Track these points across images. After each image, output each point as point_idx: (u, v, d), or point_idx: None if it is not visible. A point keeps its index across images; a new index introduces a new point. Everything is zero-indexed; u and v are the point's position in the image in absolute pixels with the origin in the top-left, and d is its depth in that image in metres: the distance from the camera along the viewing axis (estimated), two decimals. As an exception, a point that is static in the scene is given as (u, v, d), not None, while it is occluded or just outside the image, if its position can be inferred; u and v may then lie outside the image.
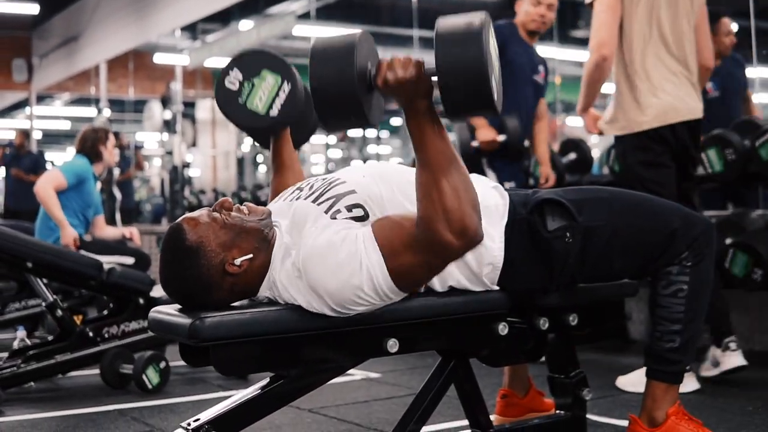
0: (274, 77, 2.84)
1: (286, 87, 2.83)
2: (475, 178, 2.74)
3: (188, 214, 2.42)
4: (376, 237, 2.27)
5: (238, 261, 2.35)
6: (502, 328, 2.65)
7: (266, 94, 2.83)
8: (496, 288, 2.62)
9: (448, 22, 2.23)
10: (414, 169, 2.34)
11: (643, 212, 2.81)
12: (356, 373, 4.84)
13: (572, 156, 6.30)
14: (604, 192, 2.84)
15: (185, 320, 2.28)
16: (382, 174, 2.56)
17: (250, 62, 2.86)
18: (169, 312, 2.40)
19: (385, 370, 4.92)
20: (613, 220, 2.73)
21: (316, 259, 2.26)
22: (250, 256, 2.37)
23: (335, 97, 2.26)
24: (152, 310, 2.50)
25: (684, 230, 2.78)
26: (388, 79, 2.25)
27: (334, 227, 2.31)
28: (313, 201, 2.46)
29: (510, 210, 2.65)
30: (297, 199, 2.54)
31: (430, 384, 2.70)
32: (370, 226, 2.31)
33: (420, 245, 2.26)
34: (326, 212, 2.39)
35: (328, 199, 2.44)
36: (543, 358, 2.98)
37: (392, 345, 2.47)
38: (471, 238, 2.26)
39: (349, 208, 2.40)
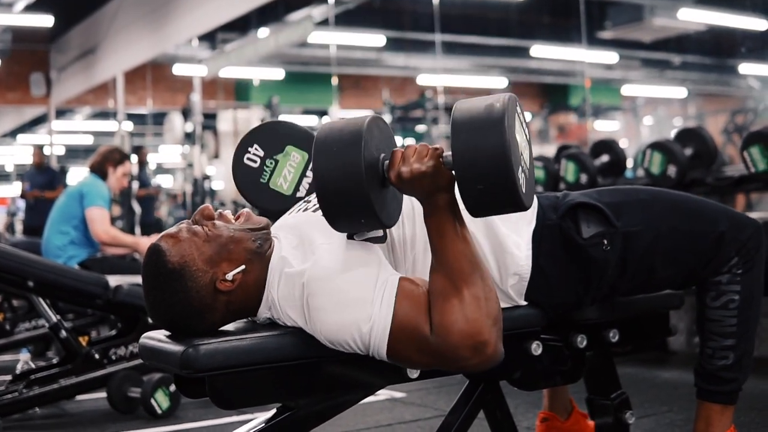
0: (301, 154, 2.61)
1: None
2: None
3: (167, 231, 2.16)
4: (396, 302, 2.01)
5: (229, 275, 2.10)
6: (536, 348, 2.42)
7: (291, 172, 2.60)
8: (524, 302, 2.38)
9: (465, 106, 1.98)
10: None
11: (687, 214, 2.54)
12: (380, 393, 4.56)
13: (605, 158, 6.03)
14: (643, 192, 2.59)
15: (177, 348, 2.04)
16: None
17: (273, 137, 2.61)
18: (160, 338, 2.16)
19: (410, 389, 4.71)
20: (654, 224, 2.48)
21: (325, 285, 2.01)
22: (243, 267, 2.12)
23: (341, 195, 1.99)
24: (143, 336, 2.25)
25: (732, 234, 2.51)
26: (402, 174, 2.00)
27: (353, 252, 2.07)
28: None
29: (538, 215, 2.41)
30: (303, 211, 2.28)
31: (456, 410, 2.49)
32: (397, 281, 2.04)
33: (429, 348, 2.02)
34: None
35: None
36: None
37: (412, 370, 2.21)
38: (489, 356, 2.01)
39: None
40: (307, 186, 2.60)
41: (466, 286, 1.99)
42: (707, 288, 2.55)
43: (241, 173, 2.59)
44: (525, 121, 2.07)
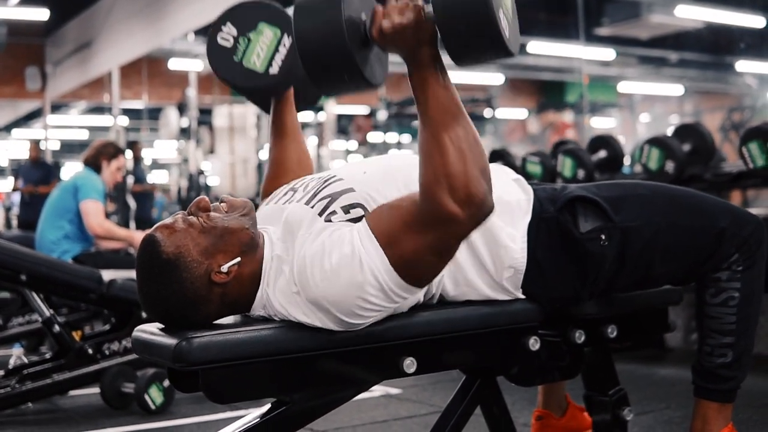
0: (273, 30, 2.56)
1: (287, 41, 2.55)
2: (495, 168, 2.45)
3: (162, 222, 2.12)
4: (372, 228, 1.99)
5: (224, 267, 2.06)
6: (533, 343, 2.38)
7: (264, 49, 2.56)
8: (522, 296, 2.35)
9: None
10: None
11: (687, 209, 2.51)
12: (375, 389, 4.54)
13: (602, 154, 6.00)
14: (643, 187, 2.56)
15: (170, 341, 2.01)
16: (386, 169, 2.28)
17: (245, 15, 2.57)
18: (153, 331, 2.12)
19: (405, 386, 4.68)
20: (653, 220, 2.45)
21: (310, 270, 1.98)
22: (238, 260, 2.08)
23: (324, 52, 1.96)
24: (136, 328, 2.21)
25: (733, 230, 2.48)
26: (384, 28, 1.95)
27: (327, 231, 2.03)
28: (306, 203, 2.17)
29: (535, 207, 2.38)
30: (290, 202, 2.24)
31: (452, 406, 2.44)
32: (364, 218, 2.04)
33: (422, 221, 1.97)
34: (320, 215, 2.11)
35: (322, 199, 2.16)
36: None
37: (409, 364, 2.20)
38: (478, 207, 1.95)
39: (346, 209, 2.12)
40: (280, 62, 2.57)
41: (449, 138, 1.95)
42: (707, 284, 2.53)
43: (215, 53, 2.57)
44: None
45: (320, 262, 1.97)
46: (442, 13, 1.89)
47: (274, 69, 2.56)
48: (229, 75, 2.57)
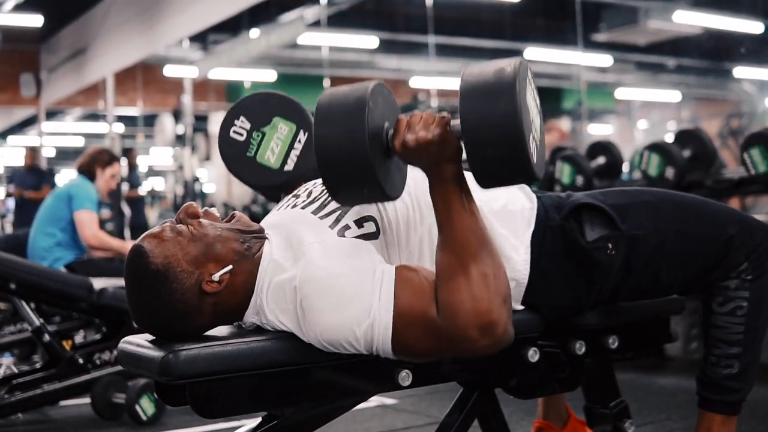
0: (289, 126, 2.50)
1: (302, 137, 2.49)
2: None
3: (150, 231, 2.06)
4: (396, 291, 1.92)
5: (216, 276, 2.00)
6: (532, 354, 2.31)
7: (279, 145, 2.51)
8: (521, 307, 2.28)
9: (474, 71, 1.88)
10: None
11: (695, 217, 2.43)
12: (370, 399, 4.45)
13: (601, 160, 5.95)
14: (649, 194, 2.48)
15: (156, 353, 1.94)
16: None
17: (259, 108, 2.52)
18: (139, 343, 2.06)
19: (402, 396, 4.61)
20: (661, 227, 2.37)
21: (319, 285, 1.92)
22: (230, 268, 2.02)
23: (344, 165, 1.89)
24: (122, 340, 2.14)
25: (742, 238, 2.41)
26: (407, 142, 1.90)
27: (344, 249, 1.97)
28: (314, 212, 2.11)
29: (540, 214, 2.31)
30: (292, 207, 2.17)
31: (449, 419, 2.38)
32: (394, 271, 1.96)
33: (437, 331, 1.92)
34: (332, 227, 2.05)
35: (332, 212, 2.10)
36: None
37: (404, 377, 2.12)
38: (498, 337, 1.92)
39: (359, 223, 2.07)
40: (295, 159, 2.51)
41: (474, 263, 1.90)
42: (714, 293, 2.45)
43: (227, 147, 2.51)
44: (535, 87, 1.98)
45: (333, 285, 1.91)
46: (472, 134, 1.83)
47: (289, 166, 2.51)
48: (241, 171, 2.53)
